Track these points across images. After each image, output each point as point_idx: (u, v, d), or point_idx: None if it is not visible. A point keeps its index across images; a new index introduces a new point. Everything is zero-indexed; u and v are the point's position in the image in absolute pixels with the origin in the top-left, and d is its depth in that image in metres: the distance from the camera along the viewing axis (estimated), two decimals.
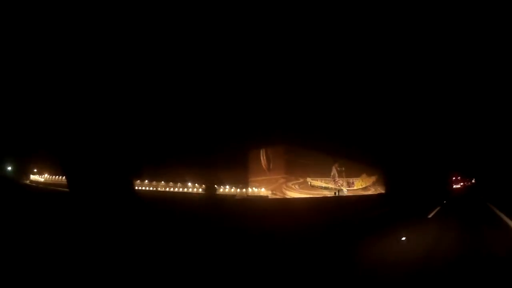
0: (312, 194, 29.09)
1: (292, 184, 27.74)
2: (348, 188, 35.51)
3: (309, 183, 29.22)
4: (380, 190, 42.23)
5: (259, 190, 26.69)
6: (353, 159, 36.18)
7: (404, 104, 35.67)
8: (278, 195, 27.27)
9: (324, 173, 31.87)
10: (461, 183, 55.47)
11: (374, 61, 22.26)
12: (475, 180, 53.08)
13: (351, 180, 36.32)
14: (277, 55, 20.32)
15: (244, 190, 25.80)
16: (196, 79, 18.76)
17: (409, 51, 20.18)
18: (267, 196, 25.99)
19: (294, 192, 27.60)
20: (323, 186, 30.94)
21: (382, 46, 19.36)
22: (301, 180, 28.62)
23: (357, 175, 38.05)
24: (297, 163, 28.50)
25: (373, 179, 41.09)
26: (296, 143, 28.60)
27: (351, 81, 26.40)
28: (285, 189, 27.15)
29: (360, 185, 37.95)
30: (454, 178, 55.88)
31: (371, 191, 39.86)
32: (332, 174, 32.80)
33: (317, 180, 30.23)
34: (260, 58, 20.23)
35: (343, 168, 34.61)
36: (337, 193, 27.37)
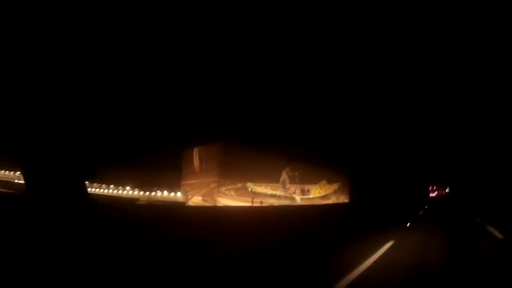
0: (255, 203, 24.64)
1: (227, 190, 23.26)
2: (303, 197, 31.21)
3: (249, 189, 24.77)
4: (343, 199, 38.16)
5: (175, 194, 22.07)
6: (311, 163, 32.00)
7: (374, 104, 32.53)
8: (209, 202, 22.78)
9: (272, 178, 27.49)
10: (437, 192, 53.91)
11: (340, 49, 20.04)
12: (449, 189, 51.57)
13: (306, 187, 32.06)
14: (217, 42, 18.09)
15: (153, 193, 21.08)
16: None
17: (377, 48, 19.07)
18: (184, 202, 21.41)
19: (229, 200, 23.11)
20: (268, 193, 26.52)
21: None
22: (239, 185, 24.15)
23: (315, 181, 33.86)
24: (235, 165, 24.05)
25: (334, 186, 36.97)
26: (235, 142, 24.26)
27: (311, 70, 22.52)
28: (217, 195, 22.65)
29: (318, 193, 33.72)
30: (430, 187, 54.79)
31: (331, 200, 35.71)
32: (281, 179, 28.44)
33: (260, 186, 25.80)
34: (198, 46, 18.08)
35: (297, 173, 30.33)
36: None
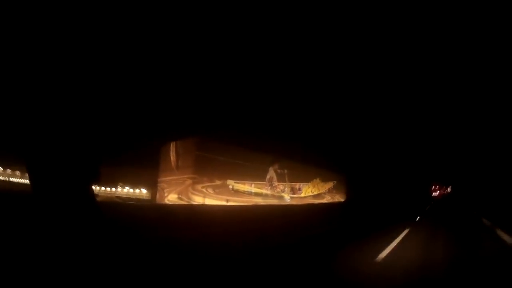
0: (236, 201, 22.76)
1: (203, 187, 21.37)
2: (293, 195, 29.19)
3: (230, 186, 22.86)
4: (339, 198, 36.10)
5: (140, 191, 20.24)
6: (302, 160, 29.96)
7: (374, 101, 30.76)
8: (184, 201, 20.96)
9: (257, 176, 25.55)
10: (439, 191, 53.61)
11: (335, 41, 18.65)
12: (451, 188, 51.22)
13: (297, 185, 30.02)
14: (196, 30, 16.60)
15: (114, 189, 19.27)
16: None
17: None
18: (150, 199, 19.62)
19: (206, 198, 21.24)
20: (253, 191, 24.59)
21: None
22: (218, 182, 22.25)
23: (307, 179, 31.81)
24: (214, 161, 22.15)
25: (329, 185, 34.89)
26: (214, 135, 22.34)
27: (303, 58, 20.58)
28: (192, 193, 20.80)
29: (310, 192, 31.66)
30: (433, 187, 53.99)
31: (325, 200, 33.65)
32: (268, 177, 26.47)
33: (244, 184, 23.88)
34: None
35: (285, 171, 28.30)
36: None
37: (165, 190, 23.23)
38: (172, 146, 22.83)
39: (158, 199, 23.55)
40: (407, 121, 36.91)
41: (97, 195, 18.29)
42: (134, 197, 19.57)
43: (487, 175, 37.75)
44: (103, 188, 19.45)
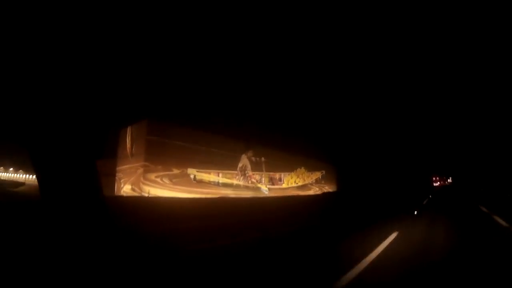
0: (198, 193, 19.80)
1: (158, 177, 18.44)
2: (272, 186, 26.13)
3: (191, 176, 19.87)
4: (328, 189, 33.01)
5: None
6: (284, 147, 26.91)
7: (371, 90, 28.25)
8: (137, 192, 18.08)
9: (227, 164, 22.53)
10: (439, 182, 52.59)
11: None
12: (451, 179, 50.17)
13: (277, 175, 26.94)
14: None
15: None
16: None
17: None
18: None
19: (161, 189, 18.34)
20: (220, 182, 21.58)
21: None
22: (176, 171, 19.29)
23: (290, 169, 28.74)
24: (170, 146, 19.21)
25: (317, 175, 31.82)
26: (171, 117, 19.42)
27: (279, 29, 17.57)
28: (143, 183, 17.88)
29: (293, 183, 28.59)
30: (433, 178, 52.04)
31: (312, 191, 30.60)
32: (240, 165, 23.43)
33: (209, 173, 20.87)
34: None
35: (263, 159, 25.22)
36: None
37: (121, 181, 20.36)
38: (128, 132, 19.94)
39: (116, 191, 20.71)
40: (407, 112, 34.23)
41: (23, 183, 15.93)
42: None
43: (486, 166, 36.90)
44: (29, 176, 16.73)
